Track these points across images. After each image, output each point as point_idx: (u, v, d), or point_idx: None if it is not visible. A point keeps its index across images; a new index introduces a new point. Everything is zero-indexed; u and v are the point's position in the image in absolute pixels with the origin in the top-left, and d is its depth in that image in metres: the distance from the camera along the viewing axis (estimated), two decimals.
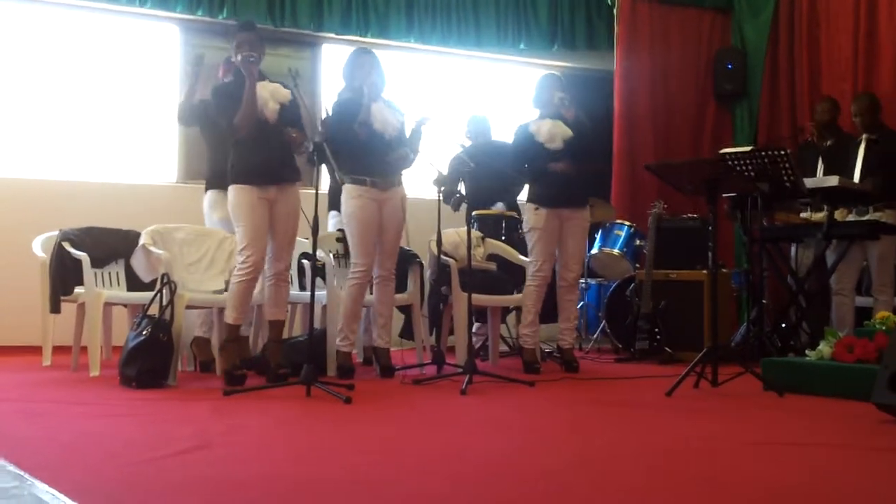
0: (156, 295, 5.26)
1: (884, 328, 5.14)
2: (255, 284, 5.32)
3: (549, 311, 6.44)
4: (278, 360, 5.31)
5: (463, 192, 6.36)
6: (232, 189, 5.31)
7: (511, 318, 7.29)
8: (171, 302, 5.22)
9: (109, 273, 6.13)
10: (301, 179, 5.54)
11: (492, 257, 6.82)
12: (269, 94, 5.29)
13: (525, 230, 6.28)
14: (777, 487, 2.88)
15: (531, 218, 6.15)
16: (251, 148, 5.26)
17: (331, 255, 6.09)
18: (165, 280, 5.27)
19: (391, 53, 8.24)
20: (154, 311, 5.24)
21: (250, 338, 5.90)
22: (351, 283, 5.65)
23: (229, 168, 5.34)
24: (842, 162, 6.83)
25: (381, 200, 5.67)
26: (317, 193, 5.01)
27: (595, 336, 7.83)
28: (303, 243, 5.76)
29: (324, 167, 5.38)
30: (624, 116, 8.91)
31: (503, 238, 7.05)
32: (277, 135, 5.26)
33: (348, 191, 5.63)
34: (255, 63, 5.24)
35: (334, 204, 6.43)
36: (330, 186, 6.64)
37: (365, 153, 5.54)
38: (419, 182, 6.56)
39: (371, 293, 5.84)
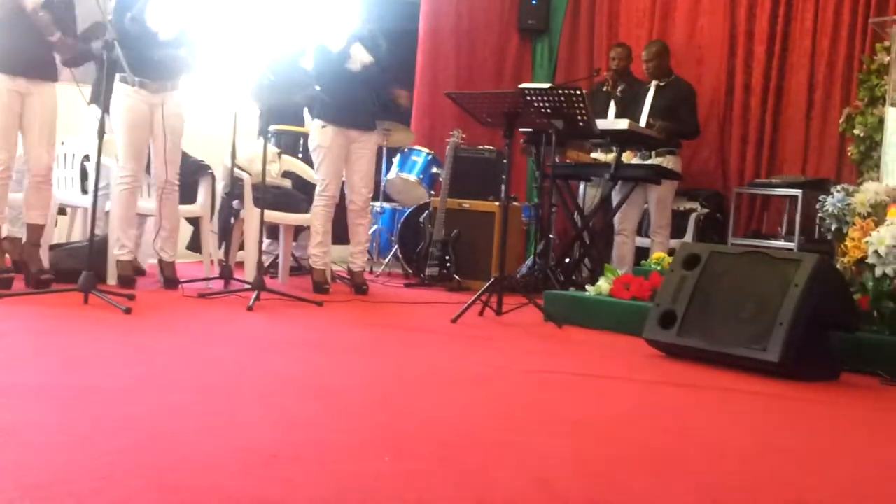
0: None
1: (658, 268, 5.41)
2: (6, 182, 4.96)
3: (341, 233, 6.41)
4: (39, 264, 5.05)
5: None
6: None
7: (304, 236, 7.23)
8: None
9: None
10: (58, 79, 5.16)
11: (287, 174, 6.71)
12: None
13: (311, 147, 6.15)
14: (548, 414, 3.00)
15: (318, 135, 6.04)
16: (2, 33, 4.87)
17: (116, 160, 5.80)
18: None
19: None
20: None
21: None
22: (120, 189, 5.43)
23: None
24: (632, 107, 7.11)
25: (154, 104, 5.44)
26: (105, 94, 4.76)
27: (387, 260, 7.87)
28: (86, 145, 5.48)
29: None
30: (428, 42, 8.90)
31: (300, 155, 6.95)
32: (35, 26, 4.88)
33: (117, 90, 5.36)
34: None
35: (96, 97, 6.05)
36: (95, 80, 6.25)
37: (134, 50, 5.17)
38: (217, 91, 6.36)
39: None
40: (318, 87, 6.09)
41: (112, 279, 5.50)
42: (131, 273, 5.51)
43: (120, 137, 5.42)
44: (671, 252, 5.73)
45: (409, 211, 7.62)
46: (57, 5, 4.95)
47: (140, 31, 5.29)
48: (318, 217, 6.11)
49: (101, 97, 5.24)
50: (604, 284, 5.41)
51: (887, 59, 6.06)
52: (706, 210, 7.44)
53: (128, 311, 4.38)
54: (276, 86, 5.97)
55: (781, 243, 6.71)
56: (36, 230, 5.12)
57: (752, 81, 7.66)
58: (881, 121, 6.03)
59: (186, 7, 5.54)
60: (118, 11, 5.29)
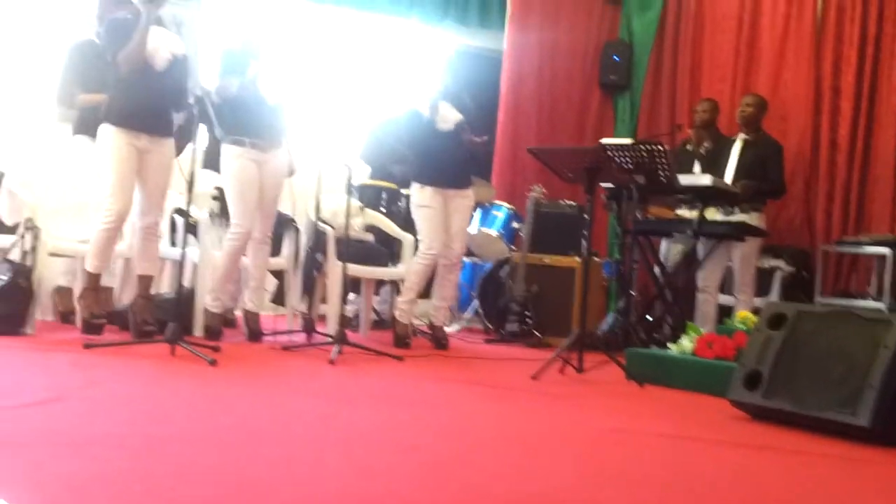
0: (18, 239, 5.06)
1: (743, 327, 5.31)
2: (117, 233, 5.14)
3: (424, 287, 6.45)
4: (146, 316, 5.16)
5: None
6: (102, 129, 5.07)
7: (386, 290, 7.28)
8: (33, 248, 5.04)
9: None
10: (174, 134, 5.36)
11: (370, 228, 6.79)
12: (164, 42, 5.08)
13: (413, 209, 6.24)
14: (630, 474, 2.96)
15: (418, 195, 6.15)
16: (131, 90, 5.04)
17: (205, 213, 5.95)
18: (29, 225, 5.08)
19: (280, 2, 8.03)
20: (15, 256, 5.06)
21: (116, 291, 5.74)
22: (229, 244, 5.55)
23: (104, 108, 5.11)
24: (717, 163, 7.04)
25: (261, 161, 5.58)
26: (194, 148, 4.89)
27: (466, 315, 7.87)
28: (177, 199, 5.62)
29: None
30: (509, 97, 8.95)
31: (383, 210, 7.02)
32: (161, 84, 5.07)
33: (227, 150, 5.53)
34: (156, 4, 4.96)
35: (209, 162, 6.27)
36: (207, 143, 6.47)
37: (246, 113, 5.45)
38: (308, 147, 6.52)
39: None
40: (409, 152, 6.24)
41: (198, 331, 5.60)
42: (218, 325, 5.61)
43: (232, 196, 5.59)
44: (755, 311, 5.63)
45: (489, 266, 7.63)
46: (181, 62, 5.12)
47: (253, 95, 5.49)
48: (416, 274, 6.17)
49: (212, 159, 5.46)
50: (686, 342, 5.33)
51: None
52: (792, 268, 7.30)
53: (213, 362, 4.46)
54: (390, 152, 6.16)
55: (870, 303, 6.56)
56: (145, 281, 5.27)
57: (839, 138, 7.55)
58: None
59: (291, 75, 5.77)
60: (226, 76, 5.47)
